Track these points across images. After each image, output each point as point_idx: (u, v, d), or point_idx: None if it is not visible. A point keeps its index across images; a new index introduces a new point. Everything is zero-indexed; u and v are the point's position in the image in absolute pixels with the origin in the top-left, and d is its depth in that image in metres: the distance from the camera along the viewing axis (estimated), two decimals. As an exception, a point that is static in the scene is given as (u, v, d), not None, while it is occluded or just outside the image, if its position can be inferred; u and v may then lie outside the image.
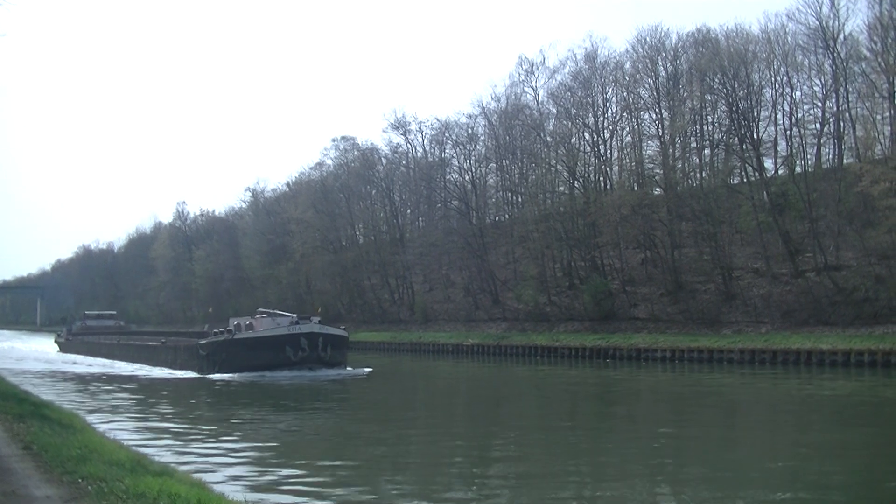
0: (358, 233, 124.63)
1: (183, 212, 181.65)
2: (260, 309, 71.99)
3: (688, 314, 71.37)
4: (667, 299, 75.13)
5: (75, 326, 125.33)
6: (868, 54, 65.16)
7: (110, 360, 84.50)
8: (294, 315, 64.33)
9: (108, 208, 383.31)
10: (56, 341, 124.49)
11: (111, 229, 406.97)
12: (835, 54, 67.58)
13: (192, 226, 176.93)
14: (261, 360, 58.33)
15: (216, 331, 67.16)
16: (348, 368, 61.29)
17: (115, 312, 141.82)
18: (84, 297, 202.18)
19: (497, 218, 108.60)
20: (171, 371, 66.87)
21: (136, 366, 74.82)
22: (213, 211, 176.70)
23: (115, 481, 13.45)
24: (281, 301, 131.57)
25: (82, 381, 59.35)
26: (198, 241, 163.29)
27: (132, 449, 21.43)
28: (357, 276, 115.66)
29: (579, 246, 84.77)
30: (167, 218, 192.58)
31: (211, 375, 59.52)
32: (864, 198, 61.15)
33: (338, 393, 49.72)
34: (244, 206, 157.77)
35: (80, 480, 13.66)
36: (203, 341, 65.87)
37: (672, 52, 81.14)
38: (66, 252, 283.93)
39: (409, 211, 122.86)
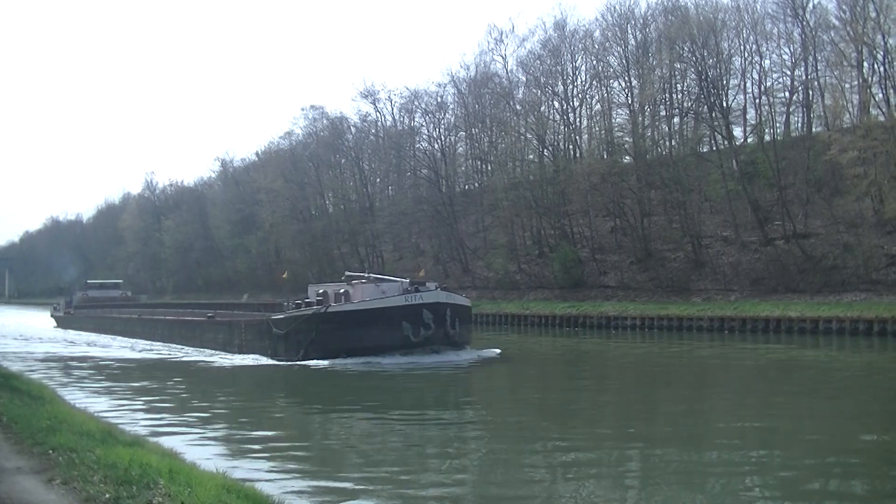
0: (327, 202, 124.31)
1: (152, 182, 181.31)
2: (347, 273, 57.24)
3: (657, 282, 71.78)
4: (636, 267, 75.51)
5: (76, 298, 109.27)
6: (837, 23, 65.29)
7: (130, 339, 69.70)
8: (405, 279, 49.13)
9: (77, 180, 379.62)
10: (53, 315, 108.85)
11: (80, 201, 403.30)
12: (804, 23, 67.88)
13: (161, 196, 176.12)
14: (367, 342, 43.56)
15: (297, 301, 51.39)
16: (467, 348, 47.35)
17: (120, 281, 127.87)
18: (53, 268, 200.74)
19: (466, 186, 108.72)
20: (227, 355, 51.14)
21: (175, 347, 60.05)
22: (182, 181, 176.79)
23: (86, 452, 13.38)
24: (251, 271, 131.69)
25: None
26: (167, 211, 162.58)
27: (102, 419, 21.31)
28: (326, 245, 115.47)
29: (549, 214, 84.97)
30: (136, 189, 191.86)
31: (294, 361, 44.86)
32: (833, 166, 61.59)
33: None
34: (213, 176, 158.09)
35: (50, 451, 13.58)
36: (278, 315, 49.65)
37: (641, 21, 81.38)
38: (35, 224, 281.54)
39: (378, 180, 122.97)
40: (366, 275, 53.60)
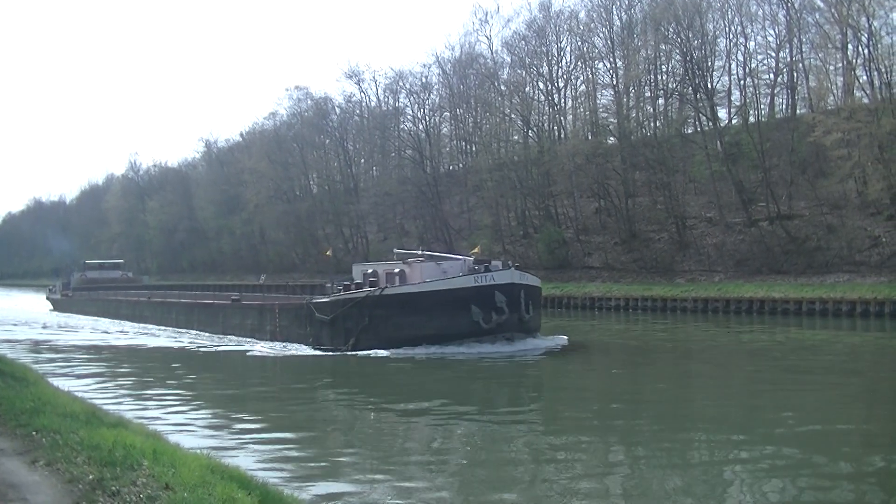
0: (312, 182, 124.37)
1: (135, 163, 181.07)
2: (397, 250, 52.83)
3: (641, 263, 71.91)
4: (621, 248, 75.66)
5: (74, 279, 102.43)
6: (822, 5, 65.35)
7: (140, 325, 64.49)
8: (468, 256, 44.05)
9: (60, 162, 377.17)
10: (49, 298, 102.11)
11: (63, 183, 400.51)
12: (789, 5, 68.02)
13: (145, 177, 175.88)
14: (430, 329, 38.18)
15: (345, 283, 44.87)
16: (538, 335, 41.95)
17: (121, 261, 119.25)
18: (37, 249, 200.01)
19: (451, 167, 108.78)
20: (258, 343, 45.65)
21: (194, 333, 54.66)
22: (166, 162, 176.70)
23: (70, 433, 13.31)
24: (235, 252, 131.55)
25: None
26: (151, 191, 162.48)
27: (86, 401, 21.22)
28: (311, 226, 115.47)
29: (533, 195, 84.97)
30: (120, 171, 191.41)
31: (341, 351, 39.67)
32: (817, 148, 61.77)
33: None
34: (198, 156, 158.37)
35: (34, 433, 13.50)
36: (322, 299, 44.23)
37: (627, 1, 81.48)
38: (17, 205, 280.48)
39: (362, 160, 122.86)
40: (419, 252, 47.60)
